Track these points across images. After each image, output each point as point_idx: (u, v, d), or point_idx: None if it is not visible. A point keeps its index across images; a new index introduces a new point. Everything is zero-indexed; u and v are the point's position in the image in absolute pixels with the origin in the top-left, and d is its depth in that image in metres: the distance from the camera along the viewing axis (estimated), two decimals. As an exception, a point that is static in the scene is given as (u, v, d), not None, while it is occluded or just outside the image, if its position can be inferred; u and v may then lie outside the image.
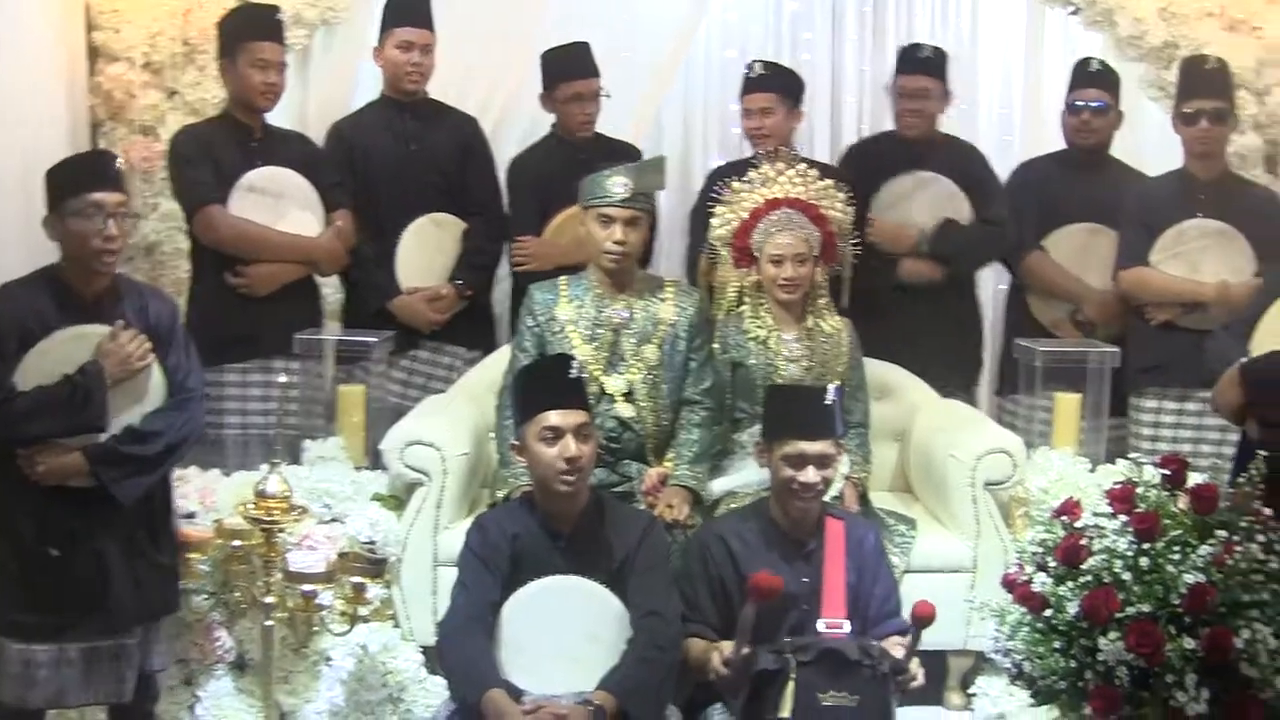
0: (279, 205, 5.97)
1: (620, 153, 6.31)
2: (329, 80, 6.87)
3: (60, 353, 4.35)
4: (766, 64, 6.43)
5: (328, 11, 6.67)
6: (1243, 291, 5.84)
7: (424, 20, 6.28)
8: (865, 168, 6.41)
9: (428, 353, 6.43)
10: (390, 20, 6.28)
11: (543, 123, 6.61)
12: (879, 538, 4.84)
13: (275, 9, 6.05)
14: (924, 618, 4.26)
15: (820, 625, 4.46)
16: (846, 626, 4.46)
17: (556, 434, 4.48)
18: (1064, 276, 6.42)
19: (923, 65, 6.44)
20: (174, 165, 6.02)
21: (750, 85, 6.36)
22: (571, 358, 4.72)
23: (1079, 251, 6.43)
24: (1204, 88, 6.07)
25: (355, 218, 6.17)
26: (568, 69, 6.41)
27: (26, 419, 4.30)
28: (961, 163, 6.50)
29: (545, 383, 4.63)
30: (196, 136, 5.99)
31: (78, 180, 4.43)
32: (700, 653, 4.49)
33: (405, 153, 6.31)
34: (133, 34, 6.55)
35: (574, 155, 6.29)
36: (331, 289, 6.53)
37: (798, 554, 4.61)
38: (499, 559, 4.52)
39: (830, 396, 4.57)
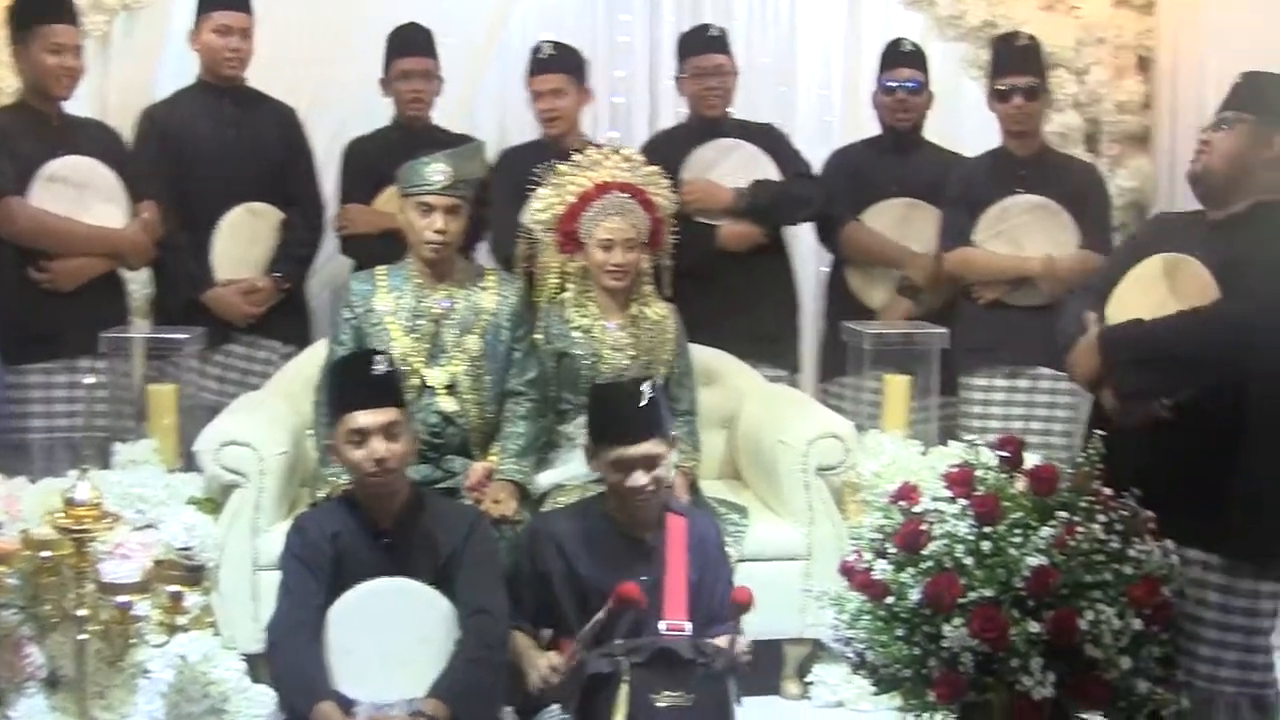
0: (82, 197, 5.76)
1: (449, 144, 6.12)
2: (131, 66, 6.66)
3: None
4: (555, 44, 6.30)
5: (128, -3, 6.44)
6: (1068, 264, 5.91)
7: (242, 3, 6.10)
8: (670, 151, 6.28)
9: (243, 347, 6.25)
10: (207, 4, 6.08)
11: (358, 114, 6.53)
12: (720, 534, 4.77)
13: None
14: (741, 604, 4.23)
15: (661, 626, 4.37)
16: (688, 628, 4.38)
17: (363, 435, 4.40)
18: (884, 243, 6.37)
19: (715, 44, 6.38)
20: None
21: (540, 66, 6.23)
22: (376, 353, 4.63)
23: (898, 223, 6.40)
24: (1016, 64, 6.08)
25: (168, 206, 5.98)
26: (399, 46, 6.30)
27: None
28: (760, 134, 6.42)
29: (350, 381, 4.55)
30: None
31: None
32: (525, 654, 4.43)
33: (223, 139, 6.14)
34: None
35: (413, 144, 6.07)
36: (139, 285, 6.34)
37: (636, 551, 4.51)
38: (321, 560, 4.43)
39: (647, 395, 4.47)
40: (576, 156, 5.43)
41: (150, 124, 6.13)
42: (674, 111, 7.38)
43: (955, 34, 6.71)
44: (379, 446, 4.38)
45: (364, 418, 4.40)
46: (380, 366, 4.51)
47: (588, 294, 5.40)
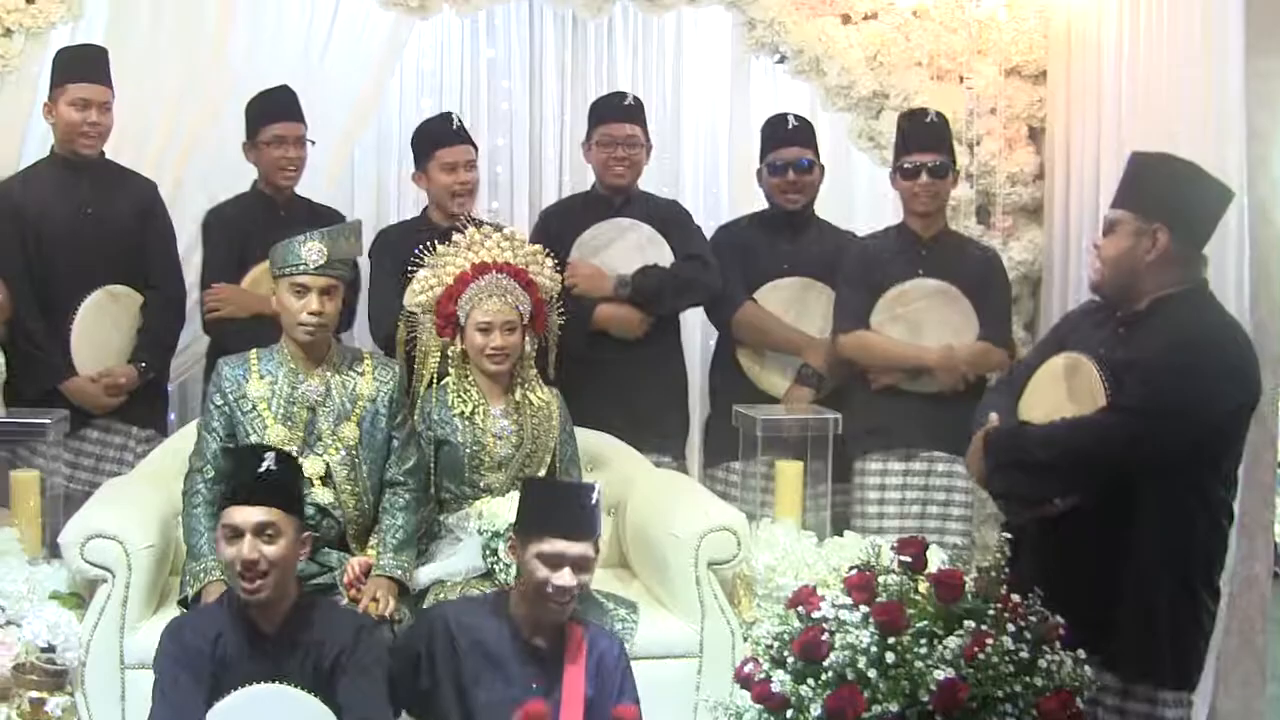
0: None
1: (322, 215, 6.05)
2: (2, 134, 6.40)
3: None
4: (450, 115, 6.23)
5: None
6: (966, 356, 5.84)
7: (102, 75, 5.89)
8: (566, 222, 6.17)
9: (98, 432, 6.01)
10: (64, 74, 5.86)
11: (225, 183, 6.31)
12: (624, 652, 4.56)
13: None
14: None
15: None
16: None
17: (236, 532, 4.23)
18: (782, 328, 6.20)
19: (628, 113, 6.23)
20: None
21: (454, 137, 6.09)
22: (268, 449, 4.43)
23: (792, 303, 6.25)
24: (923, 141, 5.96)
25: (22, 287, 5.78)
26: (268, 111, 6.09)
27: None
28: (662, 211, 6.30)
29: (234, 474, 4.39)
30: None
31: None
32: None
33: (80, 217, 5.90)
34: None
35: (275, 212, 6.03)
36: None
37: (531, 657, 4.35)
38: (200, 665, 4.25)
39: (595, 495, 4.35)
40: (456, 236, 5.27)
41: (6, 199, 5.91)
42: (558, 181, 7.31)
43: (845, 104, 6.58)
44: (248, 547, 4.21)
45: (239, 514, 4.24)
46: (267, 464, 4.32)
47: (469, 379, 5.24)
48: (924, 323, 5.90)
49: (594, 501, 4.35)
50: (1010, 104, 6.74)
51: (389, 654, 4.45)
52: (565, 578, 4.25)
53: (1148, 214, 4.22)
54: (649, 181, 6.45)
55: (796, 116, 6.33)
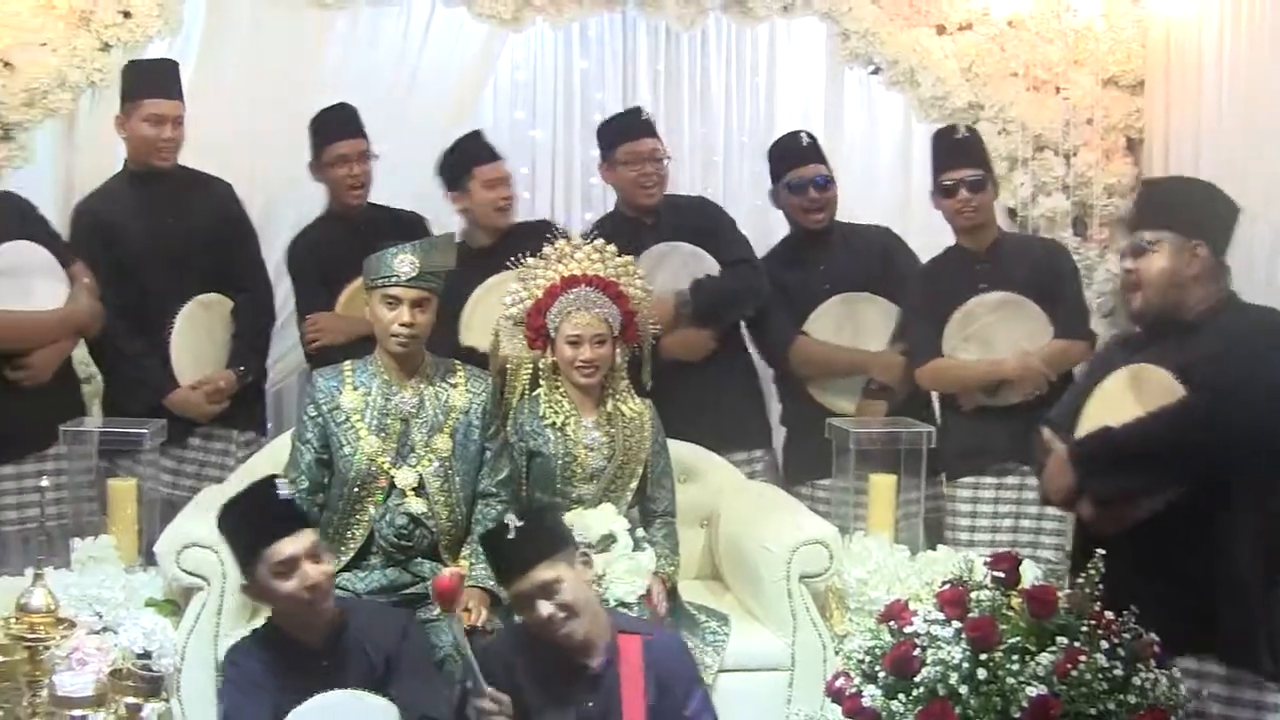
0: (25, 283, 5.65)
1: (402, 221, 6.12)
2: (97, 147, 6.46)
3: None
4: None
5: (95, 73, 6.26)
6: (1045, 356, 5.81)
7: (176, 90, 5.95)
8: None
9: (199, 439, 6.10)
10: (136, 90, 5.92)
11: (321, 197, 6.35)
12: (684, 649, 4.56)
13: None
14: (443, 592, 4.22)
15: None
16: None
17: (291, 565, 4.32)
18: (839, 353, 6.17)
19: (648, 128, 6.25)
20: None
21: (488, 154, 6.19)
22: (275, 478, 4.52)
23: (843, 323, 6.20)
24: (958, 158, 5.96)
25: (113, 305, 5.85)
26: (329, 130, 6.15)
27: None
28: (691, 217, 6.28)
29: (261, 513, 4.43)
30: None
31: None
32: None
33: (163, 230, 5.97)
34: None
35: (353, 227, 6.06)
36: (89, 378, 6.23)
37: (580, 676, 4.32)
38: (262, 689, 4.35)
39: (513, 527, 4.30)
40: (546, 249, 5.25)
41: (89, 218, 5.98)
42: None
43: (939, 115, 6.56)
44: (311, 571, 4.30)
45: (289, 546, 4.31)
46: (285, 490, 4.43)
47: (560, 390, 5.23)
48: (995, 337, 5.89)
49: (517, 531, 4.29)
50: (1107, 114, 6.72)
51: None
52: (546, 609, 4.24)
53: (1187, 232, 4.26)
54: (742, 191, 6.43)
55: (808, 134, 6.33)
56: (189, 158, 6.07)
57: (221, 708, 4.41)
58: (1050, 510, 5.77)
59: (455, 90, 6.92)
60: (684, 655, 4.53)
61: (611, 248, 5.27)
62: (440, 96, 6.84)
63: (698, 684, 4.47)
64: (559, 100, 7.41)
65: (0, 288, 5.56)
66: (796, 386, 6.28)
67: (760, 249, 6.36)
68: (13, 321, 5.56)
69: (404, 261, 4.91)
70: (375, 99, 6.35)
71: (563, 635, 4.26)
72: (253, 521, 4.41)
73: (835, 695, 4.02)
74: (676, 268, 6.11)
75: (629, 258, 5.33)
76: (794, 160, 6.22)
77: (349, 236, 5.93)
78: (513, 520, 4.30)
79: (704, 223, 6.26)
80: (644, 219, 6.20)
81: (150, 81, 5.92)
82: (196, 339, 6.00)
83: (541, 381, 5.27)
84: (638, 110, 6.43)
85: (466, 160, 6.13)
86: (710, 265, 6.12)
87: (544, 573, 4.24)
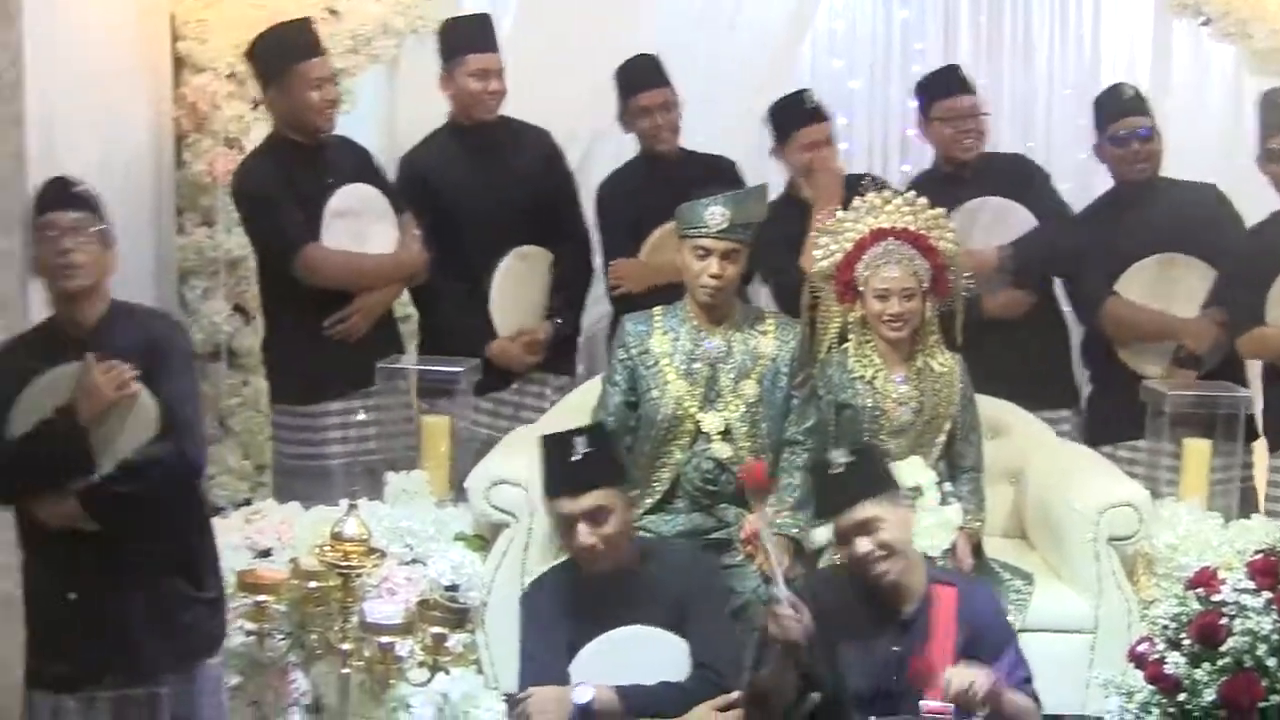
0: (361, 224, 5.77)
1: (711, 167, 6.11)
2: (419, 93, 6.56)
3: (42, 399, 4.13)
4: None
5: (417, 20, 6.37)
6: None
7: (494, 43, 6.03)
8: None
9: (517, 382, 6.19)
10: (458, 47, 5.99)
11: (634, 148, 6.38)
12: (998, 605, 4.52)
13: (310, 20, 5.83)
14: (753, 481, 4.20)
15: (923, 706, 4.11)
16: (949, 709, 4.10)
17: (569, 521, 4.40)
18: (1151, 317, 5.98)
19: (967, 85, 6.18)
20: (253, 207, 5.80)
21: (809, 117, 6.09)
22: (579, 433, 4.56)
23: (1156, 286, 6.01)
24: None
25: (437, 256, 5.95)
26: (633, 81, 6.17)
27: (13, 470, 4.12)
28: (1005, 171, 6.21)
29: (551, 465, 4.53)
30: (267, 172, 5.75)
31: (37, 207, 4.29)
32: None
33: (487, 181, 6.05)
34: (218, 44, 6.36)
35: (664, 173, 6.07)
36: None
37: (891, 621, 4.29)
38: (559, 622, 4.47)
39: (841, 462, 4.30)
40: (856, 201, 5.23)
41: (411, 171, 6.09)
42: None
43: (1275, 68, 6.30)
44: (583, 533, 4.38)
45: (566, 506, 4.40)
46: (579, 450, 4.45)
47: (869, 344, 5.20)
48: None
49: (840, 470, 4.29)
50: None
51: None
52: (864, 545, 4.21)
53: None
54: (1064, 144, 6.34)
55: (1131, 86, 6.17)
56: (508, 109, 6.15)
57: (520, 639, 4.52)
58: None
59: (773, 38, 6.90)
60: (998, 611, 4.48)
61: (923, 200, 5.22)
62: (758, 44, 6.83)
63: (1010, 641, 4.39)
64: (877, 50, 7.37)
65: (337, 228, 5.69)
66: (1105, 346, 6.14)
67: (1080, 206, 6.25)
68: (349, 262, 5.70)
69: (715, 214, 4.94)
70: (693, 46, 6.36)
71: (878, 573, 4.23)
72: (549, 469, 4.52)
73: (1138, 660, 3.96)
74: (989, 222, 6.03)
75: (940, 211, 5.26)
76: (1117, 112, 6.07)
77: (659, 183, 5.94)
78: (841, 455, 4.31)
79: (1019, 179, 6.18)
80: (961, 174, 6.13)
81: (470, 36, 6.01)
82: (515, 291, 6.08)
83: (850, 335, 5.26)
84: (955, 68, 6.34)
85: (623, 88, 6.17)
86: (1023, 219, 6.04)
87: (867, 510, 4.22)
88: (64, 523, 4.10)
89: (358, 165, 5.87)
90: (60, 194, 4.29)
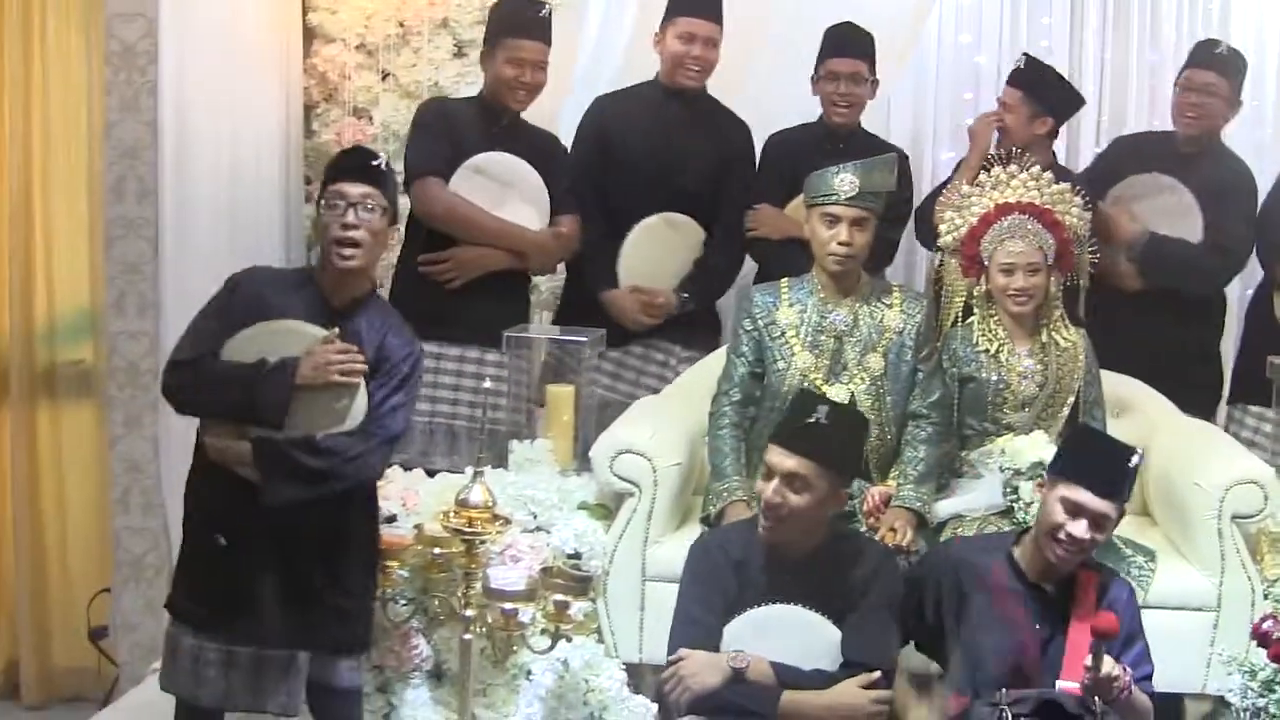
0: (503, 193, 5.80)
1: (880, 151, 5.96)
2: (598, 45, 6.66)
3: (271, 340, 4.23)
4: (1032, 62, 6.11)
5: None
6: None
7: (711, 12, 6.00)
8: (1125, 164, 6.07)
9: (641, 347, 6.18)
10: (675, 7, 6.00)
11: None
12: (1133, 598, 4.47)
13: (542, 5, 5.84)
14: (1105, 632, 3.97)
15: (1058, 687, 4.15)
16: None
17: (768, 472, 4.33)
18: None
19: (1217, 61, 6.02)
20: (412, 129, 5.89)
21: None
22: (821, 401, 4.50)
23: None
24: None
25: (591, 197, 6.00)
26: (829, 45, 6.12)
27: (211, 385, 4.19)
28: (1213, 176, 6.02)
29: (785, 415, 4.52)
30: (444, 108, 5.93)
31: (329, 173, 4.40)
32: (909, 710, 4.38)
33: (663, 144, 6.05)
34: (348, 15, 6.47)
35: (834, 143, 6.04)
36: (549, 279, 6.45)
37: (1035, 598, 4.30)
38: (722, 582, 4.39)
39: (1135, 460, 4.24)
40: (981, 176, 5.23)
41: (598, 111, 6.13)
42: (1095, 120, 7.11)
43: None
44: (772, 491, 4.29)
45: (774, 457, 4.31)
46: (817, 416, 4.33)
47: (994, 318, 5.22)
48: None
49: (1132, 466, 4.23)
50: None
51: (905, 579, 4.49)
52: (1079, 528, 4.17)
53: None
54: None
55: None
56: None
57: (679, 594, 4.47)
58: None
59: (900, 14, 6.86)
60: (1133, 603, 4.43)
61: (1048, 175, 5.22)
62: (886, 21, 6.76)
63: (1139, 635, 4.37)
64: (1004, 24, 7.29)
65: (479, 185, 5.75)
66: (1268, 305, 6.04)
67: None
68: (459, 208, 5.72)
69: (844, 181, 4.96)
70: (823, 23, 6.33)
71: (1064, 555, 4.22)
72: (787, 417, 4.48)
73: (1261, 638, 3.96)
74: (1161, 210, 5.96)
75: (1065, 186, 5.27)
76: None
77: (823, 148, 5.94)
78: (1135, 458, 4.26)
79: (1219, 187, 6.00)
80: (1180, 148, 6.04)
81: (687, 1, 6.01)
82: (651, 252, 6.07)
83: (975, 309, 5.26)
84: (1215, 42, 6.21)
85: (821, 51, 6.12)
86: (1191, 231, 5.93)
87: (1112, 508, 4.22)
88: (229, 458, 4.20)
89: (538, 153, 5.91)
90: (355, 165, 4.39)
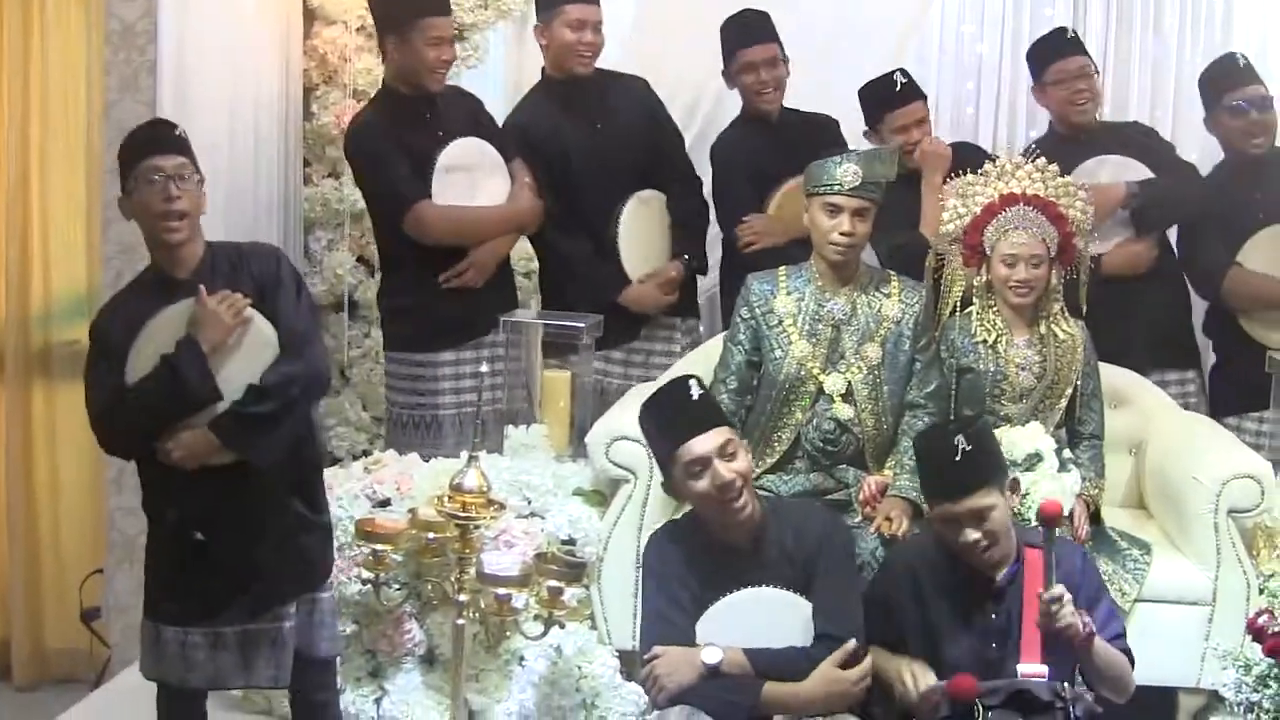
0: (472, 179, 5.79)
1: (816, 125, 6.12)
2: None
3: (156, 339, 4.16)
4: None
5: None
6: None
7: None
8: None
9: (644, 328, 6.23)
10: None
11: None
12: (1086, 560, 4.46)
13: None
14: (1050, 516, 4.01)
15: (1019, 670, 4.14)
16: (1045, 672, 4.13)
17: (703, 464, 4.31)
18: (1275, 285, 5.89)
19: (1075, 45, 6.10)
20: (364, 165, 5.82)
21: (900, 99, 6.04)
22: (690, 379, 4.51)
23: (1276, 256, 5.91)
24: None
25: (554, 212, 5.98)
26: (738, 36, 6.10)
27: (140, 413, 4.14)
28: (1128, 134, 6.15)
29: (673, 412, 4.46)
30: (374, 131, 5.75)
31: (137, 149, 4.26)
32: (889, 667, 4.31)
33: (590, 133, 6.05)
34: (349, -4, 6.43)
35: (772, 133, 6.08)
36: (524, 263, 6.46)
37: (986, 591, 4.28)
38: (683, 579, 4.42)
39: (962, 447, 4.19)
40: (986, 166, 5.21)
41: (522, 133, 6.04)
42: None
43: None
44: (722, 469, 4.30)
45: (700, 445, 4.33)
46: (696, 390, 4.42)
47: (993, 308, 5.19)
48: None
49: (961, 457, 4.18)
50: None
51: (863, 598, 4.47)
52: (969, 535, 4.17)
53: None
54: (1195, 114, 6.25)
55: (1243, 55, 6.08)
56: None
57: (643, 595, 4.51)
58: None
59: (904, 4, 6.85)
60: (1086, 566, 4.41)
61: (1053, 168, 5.20)
62: (889, 11, 6.78)
63: (1103, 594, 4.38)
64: (1007, 15, 7.28)
65: (449, 183, 5.70)
66: (1228, 317, 6.05)
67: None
68: (460, 217, 5.72)
69: (847, 170, 4.94)
70: (823, 12, 6.32)
71: (982, 559, 4.23)
72: (667, 421, 4.46)
73: (1257, 633, 3.95)
74: (1111, 178, 5.94)
75: (1070, 179, 5.25)
76: (1233, 82, 6.00)
77: (767, 139, 5.99)
78: (961, 442, 4.22)
79: (1138, 141, 6.11)
80: (1077, 138, 6.06)
81: None
82: (641, 235, 6.10)
83: (975, 299, 5.25)
84: (1063, 30, 6.29)
85: (727, 43, 6.12)
86: (1143, 174, 5.95)
87: (980, 499, 4.19)
88: (201, 459, 4.15)
89: (468, 116, 5.89)
90: (163, 136, 4.31)
